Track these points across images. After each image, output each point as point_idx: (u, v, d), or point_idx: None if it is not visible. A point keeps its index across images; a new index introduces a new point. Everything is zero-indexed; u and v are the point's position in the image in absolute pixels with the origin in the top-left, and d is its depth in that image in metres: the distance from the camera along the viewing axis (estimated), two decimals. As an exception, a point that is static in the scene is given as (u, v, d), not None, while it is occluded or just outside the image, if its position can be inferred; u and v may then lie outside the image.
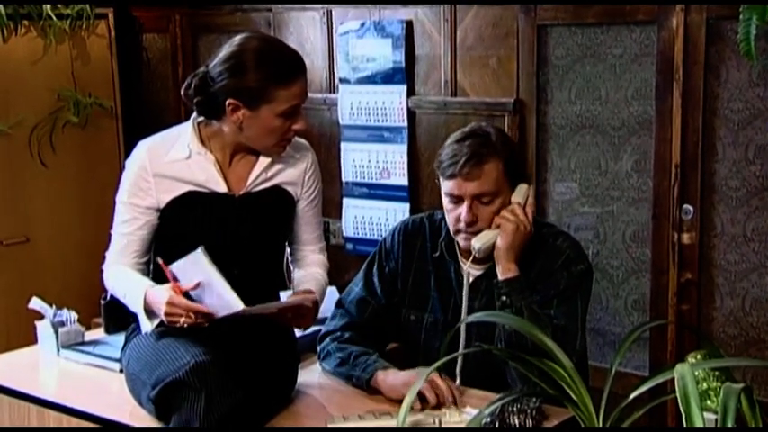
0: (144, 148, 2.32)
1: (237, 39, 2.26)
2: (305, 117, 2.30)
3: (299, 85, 2.24)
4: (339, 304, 2.55)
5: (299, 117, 2.26)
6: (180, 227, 2.30)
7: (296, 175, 2.39)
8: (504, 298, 2.29)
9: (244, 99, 2.20)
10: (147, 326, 2.25)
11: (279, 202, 2.38)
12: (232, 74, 2.20)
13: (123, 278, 2.34)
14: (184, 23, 4.34)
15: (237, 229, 2.31)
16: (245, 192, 2.32)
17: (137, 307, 2.26)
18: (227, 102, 2.21)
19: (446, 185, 2.33)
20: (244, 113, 2.22)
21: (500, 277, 2.30)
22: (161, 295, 2.18)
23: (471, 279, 2.39)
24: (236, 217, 2.31)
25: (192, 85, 2.26)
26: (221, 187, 2.29)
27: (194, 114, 2.32)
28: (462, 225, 2.33)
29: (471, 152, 2.28)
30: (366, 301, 2.50)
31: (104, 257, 2.40)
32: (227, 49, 2.24)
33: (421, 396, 2.19)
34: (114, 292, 2.38)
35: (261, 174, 2.33)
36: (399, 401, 1.87)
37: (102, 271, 2.41)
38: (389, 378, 2.30)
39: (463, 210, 2.31)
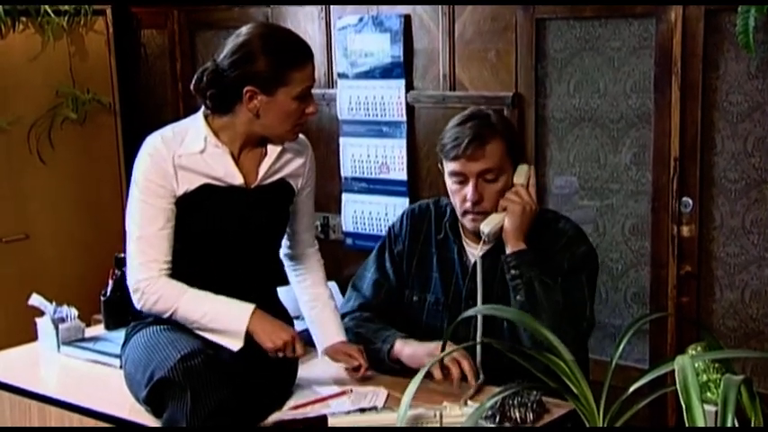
0: (157, 139, 2.28)
1: (243, 29, 2.27)
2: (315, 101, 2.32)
3: (311, 67, 2.27)
4: (354, 287, 2.59)
5: (310, 100, 2.29)
6: (190, 221, 2.27)
7: (298, 167, 2.40)
8: (513, 271, 2.31)
9: (260, 85, 2.21)
10: (238, 344, 2.21)
11: (284, 194, 2.39)
12: (245, 62, 2.21)
13: (201, 295, 2.23)
14: (182, 19, 4.34)
15: (249, 223, 2.30)
16: (257, 184, 2.32)
17: (235, 324, 2.20)
18: (244, 89, 2.21)
19: (450, 166, 2.38)
20: (261, 99, 2.22)
21: (508, 251, 2.33)
22: (286, 326, 2.27)
23: (473, 261, 2.41)
24: (249, 210, 2.30)
25: (204, 79, 2.25)
26: (238, 180, 2.28)
27: (202, 108, 2.31)
28: (469, 204, 2.36)
29: (474, 133, 2.34)
30: (380, 283, 2.54)
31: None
32: (234, 41, 2.24)
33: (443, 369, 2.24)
34: (183, 310, 2.22)
35: (271, 166, 2.33)
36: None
37: (145, 281, 2.23)
38: (410, 347, 2.35)
39: (469, 189, 2.35)
